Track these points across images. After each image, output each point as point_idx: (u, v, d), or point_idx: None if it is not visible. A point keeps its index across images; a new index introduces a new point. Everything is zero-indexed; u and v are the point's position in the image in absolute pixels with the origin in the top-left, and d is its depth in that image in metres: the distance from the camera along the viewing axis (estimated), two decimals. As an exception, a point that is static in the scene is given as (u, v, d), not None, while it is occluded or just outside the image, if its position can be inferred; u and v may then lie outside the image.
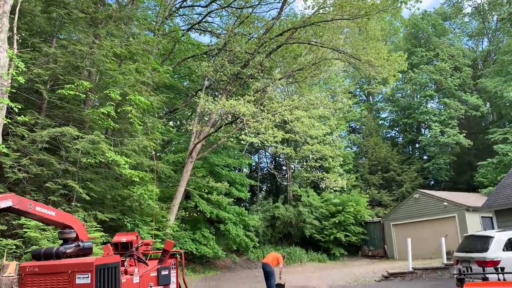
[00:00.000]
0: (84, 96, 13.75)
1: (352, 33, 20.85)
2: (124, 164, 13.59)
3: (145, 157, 16.32)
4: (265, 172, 44.27)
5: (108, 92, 14.04)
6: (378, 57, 19.06)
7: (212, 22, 26.32)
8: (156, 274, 7.75)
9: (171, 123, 26.44)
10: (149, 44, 16.85)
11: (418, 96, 37.55)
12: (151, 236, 15.99)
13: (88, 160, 12.92)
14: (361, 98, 44.57)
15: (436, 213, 23.64)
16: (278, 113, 16.44)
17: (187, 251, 19.65)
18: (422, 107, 36.10)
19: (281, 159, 37.91)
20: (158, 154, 19.87)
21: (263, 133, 16.02)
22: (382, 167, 34.22)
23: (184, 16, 26.62)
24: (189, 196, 21.54)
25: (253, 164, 40.26)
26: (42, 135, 12.35)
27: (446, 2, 41.49)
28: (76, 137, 13.01)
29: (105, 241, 12.71)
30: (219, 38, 24.49)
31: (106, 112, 13.75)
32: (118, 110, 14.23)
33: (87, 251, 6.69)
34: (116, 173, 14.72)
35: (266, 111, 16.75)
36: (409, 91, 39.13)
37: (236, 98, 16.67)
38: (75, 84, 13.00)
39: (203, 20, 25.04)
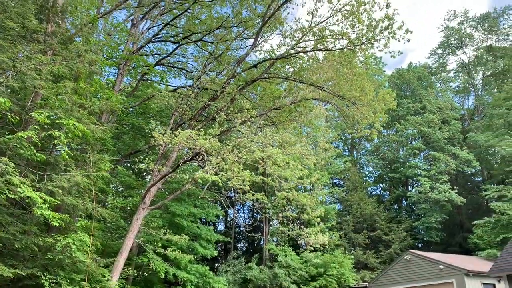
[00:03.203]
0: (0, 115, 10.91)
1: (335, 72, 18.85)
2: (42, 204, 10.49)
3: (80, 199, 13.20)
4: (241, 229, 40.82)
5: (34, 114, 11.27)
6: (364, 94, 16.88)
7: (185, 61, 24.24)
8: None
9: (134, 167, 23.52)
10: (95, 64, 14.30)
11: (405, 149, 35.45)
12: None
13: (-10, 195, 9.82)
14: (344, 152, 42.46)
15: (430, 277, 20.53)
16: (247, 149, 13.72)
17: (132, 320, 15.96)
18: (409, 160, 33.93)
19: (257, 215, 34.76)
20: (102, 197, 16.68)
21: (226, 170, 13.16)
22: (368, 224, 31.23)
23: (154, 55, 24.57)
24: (142, 250, 18.12)
25: (224, 218, 37.04)
26: None
27: (431, 57, 40.91)
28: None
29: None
30: (191, 75, 22.29)
31: (25, 137, 10.90)
32: (42, 135, 11.38)
33: None
34: (37, 217, 11.53)
35: (232, 147, 14.03)
36: (394, 145, 37.13)
37: (198, 132, 13.98)
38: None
39: (176, 60, 22.97)
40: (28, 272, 11.21)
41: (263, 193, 17.08)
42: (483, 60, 37.55)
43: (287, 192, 16.61)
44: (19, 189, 10.16)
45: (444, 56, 39.99)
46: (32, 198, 10.34)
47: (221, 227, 40.06)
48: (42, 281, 11.35)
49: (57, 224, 10.79)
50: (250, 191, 15.86)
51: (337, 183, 39.17)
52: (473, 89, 40.30)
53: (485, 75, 38.52)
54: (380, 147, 37.91)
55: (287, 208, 19.86)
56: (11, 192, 10.21)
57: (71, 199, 12.15)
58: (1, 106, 10.73)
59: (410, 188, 37.19)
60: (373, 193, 41.29)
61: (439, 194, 29.44)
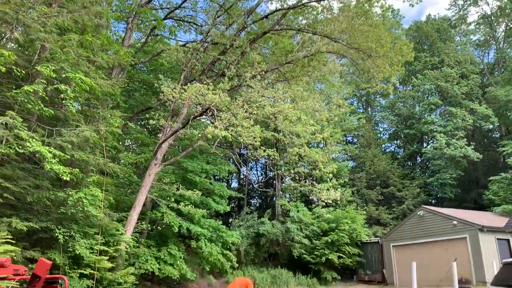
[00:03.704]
0: (5, 69, 10.69)
1: (350, 23, 18.00)
2: (51, 158, 10.48)
3: (92, 155, 13.20)
4: (254, 186, 41.13)
5: (39, 67, 11.05)
6: (380, 45, 16.15)
7: (194, 14, 23.45)
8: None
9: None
10: (101, 16, 13.82)
11: (421, 105, 34.52)
12: (94, 253, 12.75)
13: (1, 150, 9.79)
14: (359, 109, 41.69)
15: (444, 233, 20.46)
16: (257, 105, 13.37)
17: (147, 271, 16.34)
18: (425, 116, 33.15)
19: (270, 173, 34.85)
20: (114, 154, 16.68)
21: (236, 126, 12.92)
22: (381, 181, 31.06)
23: (162, 9, 23.76)
24: (156, 205, 18.34)
25: (237, 176, 37.26)
26: None
27: (451, 8, 38.98)
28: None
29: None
30: (201, 30, 21.60)
31: (32, 91, 10.75)
32: (49, 89, 11.22)
33: None
34: (48, 172, 11.56)
35: (242, 102, 13.69)
36: (410, 101, 36.23)
37: (207, 87, 13.62)
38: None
39: (185, 14, 22.19)
40: (42, 226, 11.40)
41: (275, 149, 16.90)
42: (507, 10, 35.67)
43: (299, 148, 16.39)
44: (28, 144, 10.12)
45: (465, 7, 38.05)
46: (42, 153, 10.31)
47: (234, 184, 40.47)
48: (56, 234, 11.54)
49: (68, 179, 10.81)
50: (262, 147, 15.69)
51: (351, 140, 38.72)
52: (494, 42, 38.57)
53: (508, 27, 36.71)
54: (396, 103, 37.02)
55: (299, 165, 19.75)
56: (20, 147, 10.19)
57: (81, 154, 12.13)
58: (6, 59, 10.55)
59: (425, 145, 36.60)
60: (387, 150, 40.83)
61: (454, 150, 28.90)
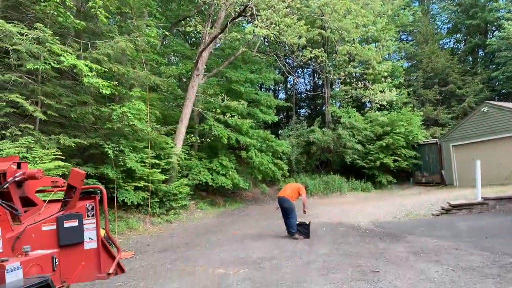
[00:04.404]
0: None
1: None
2: (88, 71, 10.07)
3: (130, 67, 12.73)
4: (303, 95, 40.01)
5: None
6: None
7: None
8: (55, 227, 4.40)
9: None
10: None
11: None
12: (146, 167, 12.85)
13: (35, 66, 9.46)
14: (413, 3, 37.77)
15: (510, 129, 18.87)
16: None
17: (201, 182, 16.58)
18: (491, 3, 29.42)
19: (319, 81, 33.42)
20: (155, 66, 16.15)
21: (278, 23, 11.72)
22: (439, 79, 28.83)
23: None
24: (203, 118, 18.11)
25: (285, 86, 36.18)
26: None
27: None
28: (19, 34, 9.48)
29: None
30: None
31: (60, 1, 10.08)
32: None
33: None
34: (88, 87, 11.27)
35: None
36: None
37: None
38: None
39: None
40: (90, 142, 11.41)
41: (322, 49, 15.57)
42: None
43: (349, 46, 15.00)
44: (62, 58, 9.70)
45: None
46: (77, 66, 9.90)
47: (282, 95, 39.57)
48: (106, 150, 11.57)
49: (108, 92, 10.47)
50: (308, 48, 14.46)
51: (405, 39, 35.71)
52: None
53: None
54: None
55: (350, 66, 18.35)
56: (56, 62, 9.80)
57: (119, 67, 11.66)
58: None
59: (489, 36, 33.03)
60: (446, 46, 37.48)
61: (525, 39, 25.80)
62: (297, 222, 9.74)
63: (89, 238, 4.75)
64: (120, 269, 5.16)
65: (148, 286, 6.31)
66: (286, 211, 9.75)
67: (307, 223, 9.77)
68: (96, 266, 4.77)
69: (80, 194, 4.71)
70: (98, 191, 4.92)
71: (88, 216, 4.77)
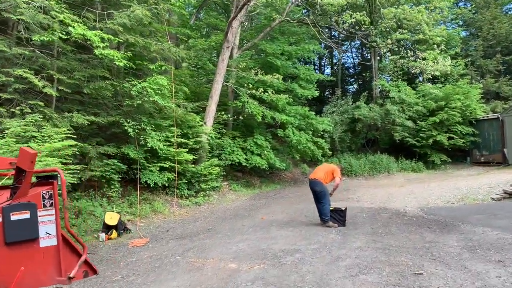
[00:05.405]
0: None
1: None
2: (99, 42, 9.20)
3: (152, 39, 11.79)
4: (350, 71, 37.91)
5: None
6: None
7: None
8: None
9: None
10: None
11: None
12: (172, 146, 11.99)
13: (41, 38, 8.71)
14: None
15: None
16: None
17: (234, 162, 15.60)
18: None
19: (367, 54, 31.25)
20: (183, 39, 15.15)
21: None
22: (502, 48, 25.81)
23: None
24: (238, 95, 17.00)
25: (330, 61, 34.25)
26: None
27: None
28: (24, 2, 8.75)
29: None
30: None
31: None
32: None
33: None
34: (103, 60, 10.45)
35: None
36: None
37: None
38: None
39: None
40: (110, 120, 10.66)
41: (364, 14, 13.81)
42: None
43: (395, 8, 13.18)
44: (71, 28, 8.87)
45: None
46: (87, 36, 9.04)
47: (327, 71, 37.64)
48: (126, 128, 10.80)
49: (122, 64, 9.57)
50: (348, 12, 12.84)
51: (463, 5, 32.41)
52: None
53: None
54: None
55: (397, 33, 16.39)
56: (63, 33, 9.01)
57: (137, 38, 10.73)
58: None
59: None
60: (510, 12, 33.68)
61: None
62: (331, 208, 8.49)
63: (47, 233, 3.83)
64: (91, 269, 4.26)
65: (147, 283, 5.39)
66: (318, 196, 8.52)
67: (343, 209, 8.50)
68: (56, 267, 3.85)
69: (38, 179, 3.78)
70: (55, 176, 3.98)
71: (44, 206, 3.81)
